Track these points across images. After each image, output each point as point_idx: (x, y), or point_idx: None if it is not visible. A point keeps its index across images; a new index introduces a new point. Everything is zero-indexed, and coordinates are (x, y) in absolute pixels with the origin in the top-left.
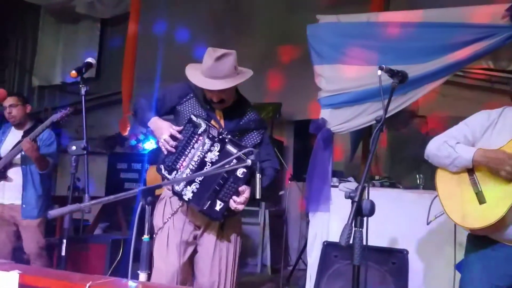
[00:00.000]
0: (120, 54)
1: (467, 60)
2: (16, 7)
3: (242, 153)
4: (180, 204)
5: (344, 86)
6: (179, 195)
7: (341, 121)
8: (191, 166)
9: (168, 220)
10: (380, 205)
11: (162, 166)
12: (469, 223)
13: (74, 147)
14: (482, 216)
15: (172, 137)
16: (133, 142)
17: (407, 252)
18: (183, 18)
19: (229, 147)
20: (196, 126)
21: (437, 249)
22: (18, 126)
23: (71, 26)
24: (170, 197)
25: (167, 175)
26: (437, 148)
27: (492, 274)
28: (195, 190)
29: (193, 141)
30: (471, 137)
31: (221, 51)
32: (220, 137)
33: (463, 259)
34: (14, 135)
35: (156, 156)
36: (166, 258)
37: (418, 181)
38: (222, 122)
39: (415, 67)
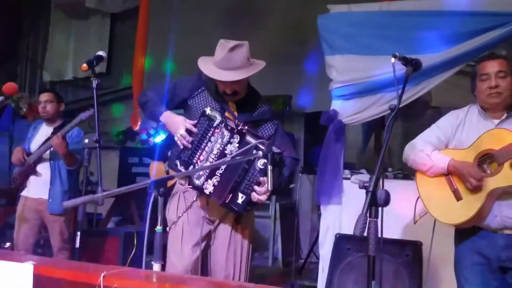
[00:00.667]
0: (130, 49)
1: (481, 48)
2: (27, 3)
3: (259, 143)
4: (195, 198)
5: (355, 76)
6: (199, 189)
7: (352, 112)
8: (210, 159)
9: (182, 214)
10: (393, 197)
11: (177, 162)
12: (449, 219)
13: (86, 140)
14: (460, 212)
15: (188, 131)
16: (144, 136)
17: (421, 243)
18: (194, 11)
19: (249, 138)
20: (211, 119)
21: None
22: (49, 122)
23: (81, 21)
24: (184, 192)
25: (183, 170)
26: (415, 154)
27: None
28: (216, 184)
29: (209, 134)
30: (443, 138)
31: (234, 42)
32: (239, 128)
33: (455, 254)
34: (44, 131)
35: (166, 150)
36: (181, 253)
37: None
38: (235, 114)
39: (429, 56)
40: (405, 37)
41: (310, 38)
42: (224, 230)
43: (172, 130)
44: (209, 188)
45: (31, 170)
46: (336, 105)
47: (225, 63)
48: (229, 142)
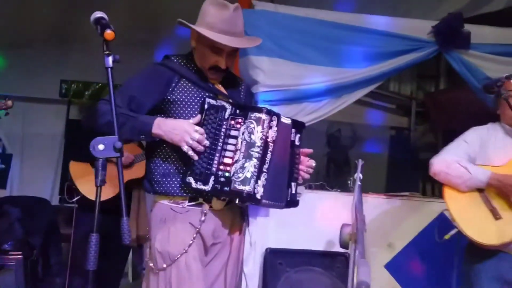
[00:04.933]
0: None
1: (398, 69)
2: None
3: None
4: (203, 218)
5: (284, 82)
6: (250, 196)
7: None
8: (256, 155)
9: (192, 243)
10: (313, 208)
11: (191, 179)
12: (488, 239)
13: (101, 146)
14: (499, 232)
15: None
16: None
17: (349, 255)
18: None
19: (284, 119)
20: (219, 109)
21: (369, 251)
22: None
23: None
24: (186, 212)
25: (201, 186)
26: (447, 166)
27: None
28: (264, 183)
29: (223, 128)
30: (472, 153)
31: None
32: (270, 110)
33: (469, 273)
34: None
35: (81, 150)
36: None
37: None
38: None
39: (353, 71)
40: (331, 49)
41: (162, 25)
42: (220, 259)
43: (176, 139)
44: (259, 191)
45: None
46: None
47: (229, 26)
48: (269, 127)
